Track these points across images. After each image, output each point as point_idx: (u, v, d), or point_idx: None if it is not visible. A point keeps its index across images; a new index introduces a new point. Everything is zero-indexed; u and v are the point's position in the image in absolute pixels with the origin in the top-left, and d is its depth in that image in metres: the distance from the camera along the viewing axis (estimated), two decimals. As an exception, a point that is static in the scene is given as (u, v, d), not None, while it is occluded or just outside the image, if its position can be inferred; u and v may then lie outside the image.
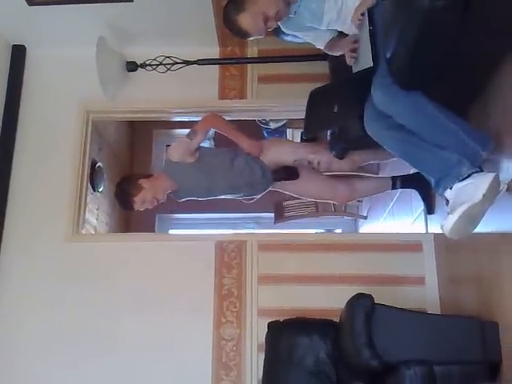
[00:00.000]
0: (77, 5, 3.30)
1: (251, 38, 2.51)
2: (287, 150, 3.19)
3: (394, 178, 3.28)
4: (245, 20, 2.37)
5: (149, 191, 3.05)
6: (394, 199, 4.10)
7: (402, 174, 3.26)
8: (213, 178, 3.09)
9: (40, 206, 3.48)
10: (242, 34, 2.46)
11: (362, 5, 2.20)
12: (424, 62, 1.94)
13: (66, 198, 3.48)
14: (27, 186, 3.52)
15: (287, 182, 3.20)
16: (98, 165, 4.75)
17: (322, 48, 2.65)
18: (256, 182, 3.15)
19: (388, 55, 2.00)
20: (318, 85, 2.68)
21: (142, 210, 3.14)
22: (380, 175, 3.61)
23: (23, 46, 3.71)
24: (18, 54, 3.70)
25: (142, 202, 3.07)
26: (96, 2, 3.28)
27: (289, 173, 3.18)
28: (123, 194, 3.13)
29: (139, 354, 3.17)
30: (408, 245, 3.25)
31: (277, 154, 3.17)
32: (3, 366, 3.21)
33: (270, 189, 3.25)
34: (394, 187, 3.27)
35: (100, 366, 3.17)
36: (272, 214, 4.90)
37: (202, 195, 3.22)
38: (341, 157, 2.85)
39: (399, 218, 4.05)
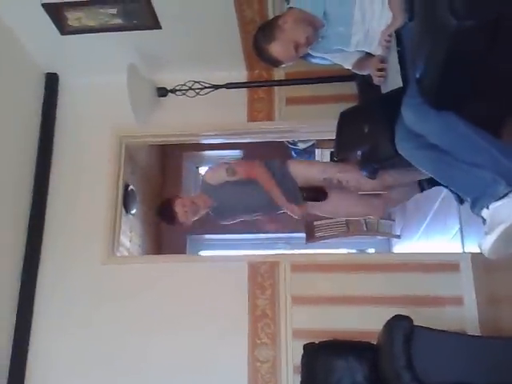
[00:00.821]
0: (107, 33, 3.40)
1: (283, 66, 2.53)
2: (317, 169, 3.16)
3: (420, 182, 3.17)
4: (276, 49, 2.38)
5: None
6: (428, 218, 4.04)
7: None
8: (249, 193, 3.08)
9: (76, 229, 3.56)
10: (274, 63, 2.48)
11: (389, 27, 2.20)
12: (454, 81, 1.92)
13: (101, 221, 3.55)
14: (63, 211, 3.60)
15: (316, 202, 3.16)
16: (130, 188, 4.83)
17: (351, 68, 2.65)
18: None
19: (417, 76, 1.99)
20: (346, 105, 2.71)
21: (185, 220, 3.10)
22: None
23: (56, 74, 3.82)
24: (51, 82, 3.81)
25: (183, 212, 3.06)
26: (126, 30, 3.37)
27: (317, 193, 3.12)
28: (166, 210, 3.14)
29: (173, 377, 3.18)
30: (445, 264, 3.20)
31: (306, 171, 3.14)
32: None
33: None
34: (422, 189, 3.18)
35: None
36: (303, 234, 4.89)
37: (241, 211, 3.19)
38: (372, 177, 2.83)
39: (434, 237, 3.97)
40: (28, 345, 3.32)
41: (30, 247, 3.48)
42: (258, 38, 2.44)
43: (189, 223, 3.15)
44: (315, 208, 3.19)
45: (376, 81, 2.44)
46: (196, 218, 3.16)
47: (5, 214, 3.32)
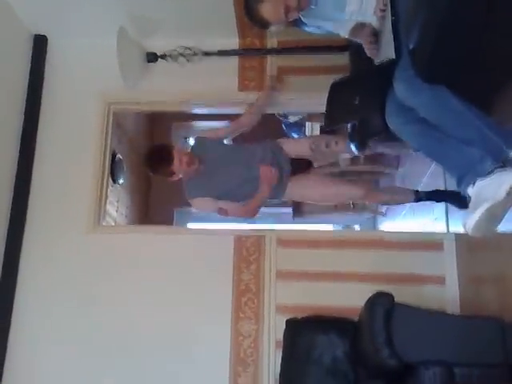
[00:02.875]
0: (98, -5, 3.30)
1: (272, 28, 2.50)
2: (305, 140, 3.20)
3: (417, 192, 3.21)
4: (266, 9, 2.36)
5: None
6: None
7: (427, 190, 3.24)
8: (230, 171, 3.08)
9: (62, 198, 3.51)
10: (263, 24, 2.45)
11: None
12: (447, 54, 1.89)
13: (87, 190, 3.50)
14: (49, 179, 3.54)
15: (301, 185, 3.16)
16: (117, 157, 4.76)
17: (347, 36, 2.59)
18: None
19: (411, 46, 1.95)
20: (339, 76, 2.65)
21: (178, 169, 3.02)
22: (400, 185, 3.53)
23: (45, 36, 3.73)
24: (40, 44, 3.71)
25: (179, 159, 2.99)
26: (117, -8, 3.27)
27: (302, 164, 3.17)
28: (161, 152, 3.07)
29: (156, 348, 3.18)
30: (429, 244, 3.19)
31: (296, 144, 3.21)
32: (26, 352, 3.26)
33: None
34: (418, 200, 3.18)
35: (116, 357, 3.19)
36: (290, 210, 4.87)
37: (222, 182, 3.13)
38: (361, 150, 2.81)
39: (419, 216, 3.97)
40: (11, 315, 3.30)
41: (15, 214, 3.43)
42: None
43: (178, 175, 3.06)
44: (300, 194, 3.21)
45: (368, 53, 2.40)
46: (185, 174, 3.08)
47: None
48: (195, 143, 3.27)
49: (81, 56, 3.71)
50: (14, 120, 3.53)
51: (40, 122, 3.62)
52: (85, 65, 3.70)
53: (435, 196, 3.18)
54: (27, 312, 3.30)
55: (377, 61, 2.35)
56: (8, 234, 3.38)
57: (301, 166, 3.20)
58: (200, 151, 3.14)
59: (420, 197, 3.15)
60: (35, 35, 3.70)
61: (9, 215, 3.41)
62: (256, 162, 3.06)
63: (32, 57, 3.68)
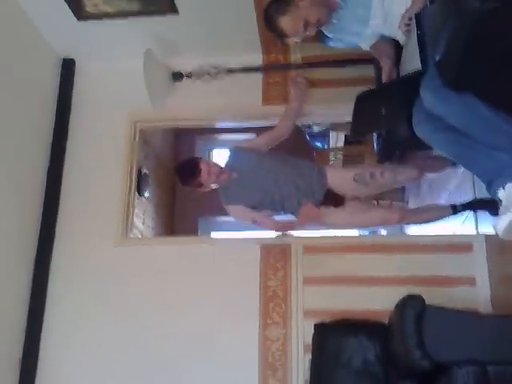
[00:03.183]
0: (124, 18, 3.41)
1: (287, 40, 2.56)
2: (350, 170, 3.19)
3: (453, 206, 3.20)
4: (286, 23, 2.42)
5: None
6: (442, 200, 4.02)
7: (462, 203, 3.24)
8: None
9: (90, 212, 3.59)
10: (280, 35, 2.51)
11: (409, 9, 2.22)
12: (474, 63, 1.92)
13: (115, 204, 3.58)
14: (78, 194, 3.63)
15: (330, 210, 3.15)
16: (144, 171, 4.88)
17: (368, 49, 2.67)
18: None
19: (437, 58, 2.00)
20: (363, 88, 2.69)
21: (207, 181, 3.10)
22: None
23: (72, 59, 3.84)
24: (68, 67, 3.83)
25: (207, 171, 3.06)
26: (142, 15, 3.38)
27: (334, 198, 3.12)
28: (190, 165, 3.14)
29: (187, 355, 3.22)
30: (458, 246, 3.19)
31: (339, 173, 3.19)
32: (56, 364, 3.32)
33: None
34: (455, 213, 3.18)
35: (149, 364, 3.23)
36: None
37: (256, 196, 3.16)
38: (388, 160, 2.85)
39: (447, 219, 3.97)
40: (41, 328, 3.36)
41: (45, 229, 3.52)
42: (272, 6, 2.46)
43: (208, 187, 3.14)
44: (330, 216, 3.16)
45: (385, 77, 2.52)
46: (214, 186, 3.16)
47: (19, 196, 3.35)
48: (230, 153, 3.29)
49: (108, 78, 3.80)
50: (44, 142, 3.64)
51: (69, 142, 3.73)
52: (112, 86, 3.80)
53: (472, 206, 3.18)
54: (57, 324, 3.37)
55: (403, 72, 2.42)
56: (38, 248, 3.47)
57: (333, 199, 3.14)
58: (234, 161, 3.20)
59: (457, 210, 3.15)
60: (64, 59, 3.82)
61: (39, 229, 3.50)
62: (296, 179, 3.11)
63: (61, 80, 3.79)
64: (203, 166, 3.07)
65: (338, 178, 3.14)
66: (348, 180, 3.08)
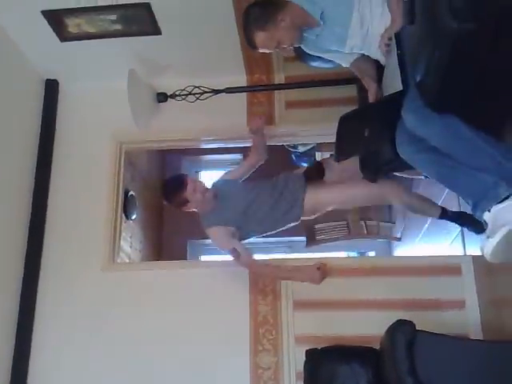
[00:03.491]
0: (107, 39, 3.40)
1: (257, 51, 2.56)
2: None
3: (444, 209, 3.14)
4: (260, 38, 2.43)
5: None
6: (429, 220, 4.02)
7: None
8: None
9: (76, 236, 3.54)
10: (250, 44, 2.51)
11: (388, 30, 2.20)
12: (455, 83, 1.91)
13: (101, 227, 3.54)
14: (63, 217, 3.59)
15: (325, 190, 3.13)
16: (130, 193, 4.82)
17: (349, 67, 2.66)
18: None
19: (418, 79, 1.98)
20: (346, 109, 2.66)
21: (193, 198, 3.05)
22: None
23: (56, 80, 3.82)
24: (51, 88, 3.81)
25: (193, 189, 3.03)
26: (126, 36, 3.37)
27: (317, 171, 3.15)
28: (176, 182, 3.12)
29: (174, 383, 3.16)
30: (446, 267, 3.17)
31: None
32: None
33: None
34: (442, 217, 3.12)
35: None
36: (303, 238, 4.87)
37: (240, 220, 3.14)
38: (373, 180, 2.82)
39: (435, 240, 3.96)
40: (29, 355, 3.30)
41: (31, 253, 3.47)
42: (252, 14, 2.45)
43: (192, 204, 3.08)
44: (325, 198, 3.14)
45: (371, 99, 2.53)
46: (198, 205, 3.10)
47: (4, 221, 3.30)
48: (215, 183, 3.30)
49: (92, 99, 3.78)
50: (28, 163, 3.60)
51: (53, 163, 3.69)
52: (96, 107, 3.78)
53: (461, 218, 3.10)
54: (45, 350, 3.31)
55: (384, 93, 2.39)
56: (24, 273, 3.42)
57: (315, 174, 3.19)
58: (217, 186, 3.21)
59: (445, 215, 3.10)
60: (46, 79, 3.80)
61: (24, 254, 3.45)
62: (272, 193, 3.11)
63: (44, 101, 3.77)
64: (190, 182, 3.05)
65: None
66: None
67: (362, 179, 2.94)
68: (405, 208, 3.16)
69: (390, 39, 2.19)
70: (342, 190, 3.10)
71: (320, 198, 3.13)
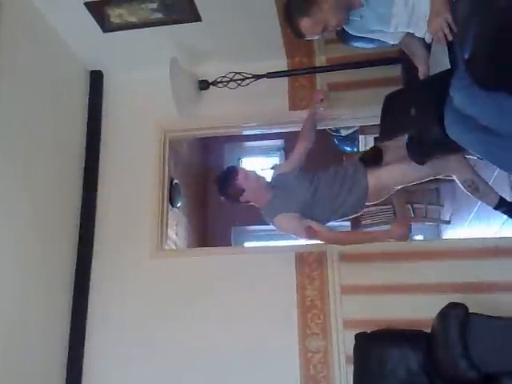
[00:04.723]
0: (148, 28, 3.44)
1: (304, 39, 2.50)
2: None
3: (502, 198, 2.96)
4: (305, 24, 2.36)
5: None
6: (479, 202, 3.88)
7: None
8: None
9: (125, 225, 3.62)
10: (297, 34, 2.45)
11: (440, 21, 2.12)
12: (503, 61, 1.85)
13: (148, 216, 3.60)
14: (112, 207, 3.67)
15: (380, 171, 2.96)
16: (174, 181, 4.88)
17: (397, 44, 2.58)
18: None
19: (466, 56, 1.93)
20: (391, 89, 2.63)
21: (251, 192, 2.95)
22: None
23: (100, 71, 3.90)
24: (96, 79, 3.89)
25: (245, 177, 2.94)
26: (166, 24, 3.40)
27: (375, 156, 2.96)
28: (225, 175, 3.03)
29: (225, 368, 3.20)
30: (498, 250, 3.07)
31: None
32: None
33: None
34: (498, 206, 2.95)
35: (185, 378, 3.24)
36: (347, 223, 4.82)
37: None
38: (421, 162, 2.74)
39: (486, 223, 3.85)
40: (84, 342, 3.41)
41: (82, 243, 3.57)
42: (292, 3, 2.40)
43: (248, 195, 2.96)
44: (389, 180, 2.97)
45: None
46: (257, 194, 2.99)
47: (55, 214, 3.39)
48: (270, 181, 3.13)
49: (135, 88, 3.84)
50: (76, 155, 3.69)
51: (101, 154, 3.78)
52: (139, 96, 3.83)
53: None
54: (98, 337, 3.41)
55: (431, 71, 2.33)
56: (77, 263, 3.53)
57: (372, 160, 2.98)
58: (275, 181, 3.09)
59: (503, 206, 2.93)
60: (91, 71, 3.87)
61: (76, 245, 3.55)
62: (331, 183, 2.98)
63: (90, 92, 3.85)
64: (240, 171, 2.99)
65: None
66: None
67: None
68: (465, 186, 2.97)
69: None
70: (404, 169, 2.90)
71: (383, 182, 2.97)
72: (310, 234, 2.91)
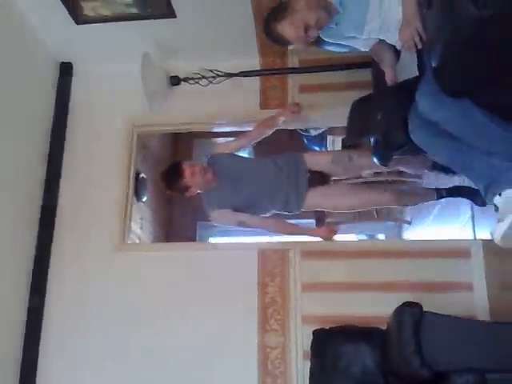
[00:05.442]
0: (122, 22, 3.42)
1: (292, 47, 2.55)
2: (327, 152, 3.25)
3: (438, 190, 3.25)
4: (285, 28, 2.38)
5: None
6: (439, 204, 4.00)
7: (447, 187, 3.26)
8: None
9: (88, 217, 3.59)
10: (282, 42, 2.47)
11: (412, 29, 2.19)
12: (471, 69, 1.91)
13: (112, 208, 3.58)
14: (75, 199, 3.63)
15: (324, 198, 3.21)
16: (141, 175, 4.86)
17: (367, 50, 2.65)
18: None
19: (434, 65, 1.99)
20: (361, 92, 2.70)
21: (192, 182, 3.04)
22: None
23: (70, 63, 3.84)
24: (66, 71, 3.84)
25: (191, 174, 3.01)
26: (141, 19, 3.38)
27: (321, 177, 3.20)
28: (173, 170, 3.11)
29: (182, 362, 3.21)
30: (455, 251, 3.18)
31: (316, 156, 3.32)
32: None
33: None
34: (440, 197, 3.23)
35: (144, 370, 3.24)
36: (312, 221, 4.89)
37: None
38: (384, 164, 2.84)
39: (446, 224, 3.97)
40: (40, 334, 3.38)
41: (43, 234, 3.53)
42: (269, 16, 2.45)
43: (194, 188, 3.07)
44: (327, 204, 3.26)
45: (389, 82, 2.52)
46: (201, 188, 3.10)
47: (17, 202, 3.35)
48: (208, 161, 3.22)
49: (106, 82, 3.80)
50: (41, 145, 3.64)
51: (66, 145, 3.74)
52: (110, 90, 3.80)
53: (456, 192, 3.20)
54: (56, 327, 3.38)
55: (399, 78, 2.40)
56: (36, 255, 3.48)
57: (320, 179, 3.23)
58: (213, 166, 3.15)
59: (441, 194, 3.20)
60: (61, 62, 3.82)
61: (36, 236, 3.51)
62: (277, 173, 3.15)
63: (58, 83, 3.80)
64: (186, 167, 3.03)
65: (316, 161, 3.23)
66: (324, 162, 3.22)
67: (362, 185, 3.00)
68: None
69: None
70: (342, 199, 3.20)
71: (321, 203, 3.25)
72: (243, 226, 3.16)
